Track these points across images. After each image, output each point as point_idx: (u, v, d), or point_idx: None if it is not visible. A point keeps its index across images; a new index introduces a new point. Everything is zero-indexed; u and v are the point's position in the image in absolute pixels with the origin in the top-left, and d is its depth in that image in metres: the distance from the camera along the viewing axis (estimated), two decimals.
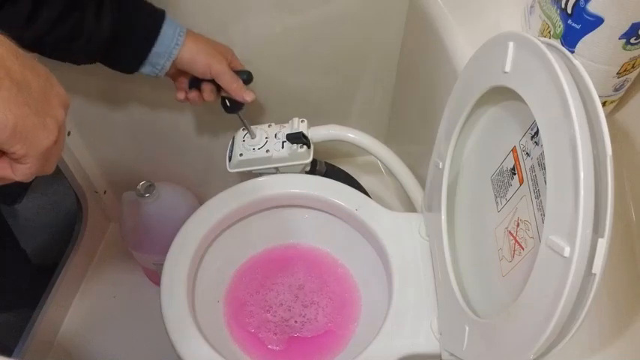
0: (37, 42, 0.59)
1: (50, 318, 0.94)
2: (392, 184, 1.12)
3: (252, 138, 0.81)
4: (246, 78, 0.75)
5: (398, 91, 0.99)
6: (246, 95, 0.74)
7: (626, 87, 0.58)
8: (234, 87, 0.73)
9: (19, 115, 0.32)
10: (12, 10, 0.55)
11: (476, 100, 0.54)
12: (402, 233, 0.72)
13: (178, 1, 0.75)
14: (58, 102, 0.36)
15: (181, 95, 0.76)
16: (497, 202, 0.55)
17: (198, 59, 0.70)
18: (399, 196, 1.08)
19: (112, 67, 0.68)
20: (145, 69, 0.69)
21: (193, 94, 0.75)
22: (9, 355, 0.87)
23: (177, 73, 0.73)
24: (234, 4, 0.79)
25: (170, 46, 0.68)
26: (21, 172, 0.35)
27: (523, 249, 0.49)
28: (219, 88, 0.75)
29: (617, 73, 0.55)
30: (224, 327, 0.73)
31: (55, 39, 0.60)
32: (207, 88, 0.74)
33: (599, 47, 0.53)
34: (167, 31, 0.67)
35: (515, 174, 0.51)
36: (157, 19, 0.67)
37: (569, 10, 0.54)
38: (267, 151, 0.80)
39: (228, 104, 0.77)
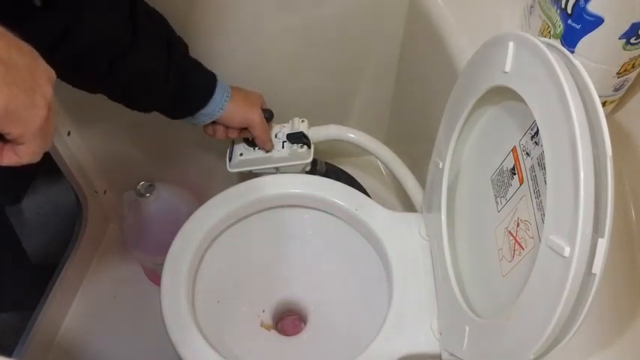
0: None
1: (50, 318, 0.94)
2: (392, 184, 1.12)
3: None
4: (268, 116, 0.78)
5: (398, 91, 0.99)
6: (269, 148, 0.80)
7: (626, 87, 0.58)
8: (263, 139, 0.78)
9: (9, 95, 0.33)
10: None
11: (476, 100, 0.54)
12: (402, 233, 0.72)
13: (178, 1, 0.75)
14: (45, 79, 0.36)
15: (210, 131, 0.77)
16: (497, 202, 0.55)
17: (237, 116, 0.74)
18: (399, 196, 1.08)
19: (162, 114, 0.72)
20: (187, 121, 0.73)
21: (221, 131, 0.76)
22: (9, 355, 0.87)
23: None
24: (234, 4, 0.79)
25: (215, 110, 0.71)
26: (24, 153, 0.36)
27: (523, 249, 0.49)
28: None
29: (617, 73, 0.55)
30: (224, 327, 0.72)
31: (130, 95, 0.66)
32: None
33: (599, 47, 0.53)
34: (216, 98, 0.70)
35: (515, 174, 0.51)
36: (210, 86, 0.70)
37: (569, 10, 0.54)
38: (268, 150, 0.80)
39: (250, 140, 0.80)
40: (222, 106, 0.71)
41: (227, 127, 0.76)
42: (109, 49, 0.58)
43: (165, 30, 0.66)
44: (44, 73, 0.37)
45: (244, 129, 0.77)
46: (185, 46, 0.69)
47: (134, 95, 0.66)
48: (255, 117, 0.75)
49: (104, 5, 0.56)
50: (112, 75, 0.60)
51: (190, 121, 0.72)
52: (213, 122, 0.74)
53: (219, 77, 0.71)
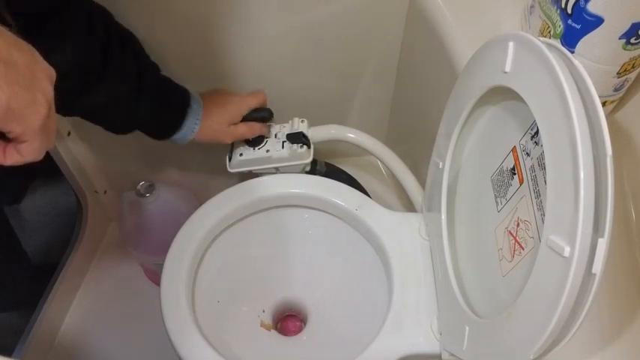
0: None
1: (50, 318, 0.94)
2: (392, 184, 1.12)
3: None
4: (267, 116, 0.79)
5: (398, 91, 0.99)
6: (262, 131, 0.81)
7: (626, 87, 0.58)
8: (259, 133, 0.80)
9: (10, 93, 0.33)
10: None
11: (476, 100, 0.54)
12: (402, 233, 0.72)
13: (178, 1, 0.75)
14: (44, 76, 0.37)
15: None
16: (497, 202, 0.55)
17: (212, 138, 0.77)
18: (399, 196, 1.08)
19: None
20: (172, 141, 0.75)
21: None
22: (9, 355, 0.87)
23: None
24: (235, 4, 0.79)
25: (187, 134, 0.74)
26: (26, 151, 0.36)
27: (523, 249, 0.49)
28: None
29: (617, 73, 0.55)
30: (224, 327, 0.72)
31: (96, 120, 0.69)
32: None
33: (599, 47, 0.53)
34: (187, 123, 0.73)
35: (515, 174, 0.51)
36: (182, 109, 0.72)
37: (569, 10, 0.54)
38: (267, 151, 0.80)
39: (250, 140, 0.81)
40: (192, 129, 0.74)
41: None
42: (84, 76, 0.60)
43: (137, 56, 0.68)
44: (44, 71, 0.37)
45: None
46: (155, 68, 0.71)
47: (109, 119, 0.69)
48: (232, 136, 0.77)
49: (82, 31, 0.58)
50: (85, 101, 0.62)
51: (174, 140, 0.74)
52: None
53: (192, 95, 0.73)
